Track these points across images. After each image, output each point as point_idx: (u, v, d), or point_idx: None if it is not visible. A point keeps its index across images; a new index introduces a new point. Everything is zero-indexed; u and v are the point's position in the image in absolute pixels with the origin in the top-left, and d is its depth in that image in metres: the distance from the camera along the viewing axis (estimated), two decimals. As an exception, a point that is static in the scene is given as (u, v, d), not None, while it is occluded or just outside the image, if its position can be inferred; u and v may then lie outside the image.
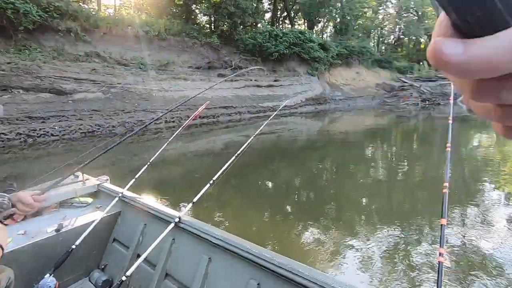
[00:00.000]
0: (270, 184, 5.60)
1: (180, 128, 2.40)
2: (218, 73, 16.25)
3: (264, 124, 2.29)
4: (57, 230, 1.79)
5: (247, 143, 1.89)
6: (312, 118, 16.29)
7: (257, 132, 2.12)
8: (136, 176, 2.04)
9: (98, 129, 9.58)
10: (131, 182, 2.05)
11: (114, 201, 1.96)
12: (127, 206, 2.01)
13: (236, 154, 1.82)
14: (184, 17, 17.66)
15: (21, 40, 10.21)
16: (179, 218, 1.61)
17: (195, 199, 1.65)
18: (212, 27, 18.45)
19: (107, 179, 2.35)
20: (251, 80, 17.22)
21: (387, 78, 26.99)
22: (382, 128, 13.13)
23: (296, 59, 19.66)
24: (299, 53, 19.03)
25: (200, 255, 1.48)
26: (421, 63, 30.87)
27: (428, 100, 20.68)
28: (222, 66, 16.65)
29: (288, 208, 4.34)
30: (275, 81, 18.29)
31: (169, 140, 2.21)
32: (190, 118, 2.48)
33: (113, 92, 11.41)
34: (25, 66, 9.53)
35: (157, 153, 2.07)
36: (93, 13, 13.19)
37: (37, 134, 8.30)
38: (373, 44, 35.07)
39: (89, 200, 2.17)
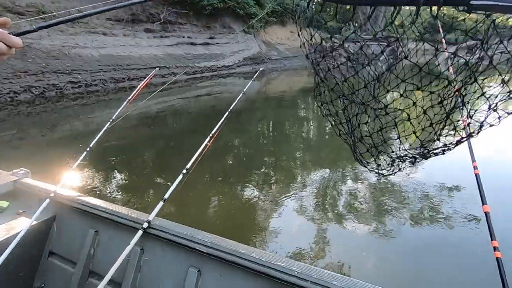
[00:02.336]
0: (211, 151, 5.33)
1: (125, 102, 1.87)
2: (144, 27, 14.26)
3: (238, 99, 1.92)
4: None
5: (222, 120, 1.54)
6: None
7: (233, 105, 1.76)
8: (74, 166, 1.52)
9: (-6, 96, 7.63)
10: (66, 176, 1.53)
11: (45, 203, 1.44)
12: (65, 208, 1.51)
13: (211, 135, 1.47)
14: (94, -46, 14.49)
15: None
16: (148, 222, 1.24)
17: (166, 195, 1.28)
18: (132, -30, 15.67)
19: (27, 172, 1.74)
20: (183, 37, 15.66)
21: (318, 38, 27.71)
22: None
23: (231, 14, 18.43)
24: (234, 8, 17.82)
25: (184, 268, 1.17)
26: (347, 23, 32.44)
27: (354, 61, 22.12)
28: (148, 19, 14.59)
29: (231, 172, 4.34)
30: (210, 38, 17.02)
31: (113, 117, 1.69)
32: (137, 89, 1.95)
33: (8, 49, 9.04)
34: None
35: (99, 135, 1.56)
36: None
37: None
38: (304, 3, 34.96)
39: (4, 203, 1.57)
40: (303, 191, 3.71)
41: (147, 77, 2.03)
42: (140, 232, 1.19)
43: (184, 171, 1.34)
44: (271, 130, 7.08)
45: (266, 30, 22.07)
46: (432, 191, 3.69)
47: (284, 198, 3.49)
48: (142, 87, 2.00)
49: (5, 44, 0.56)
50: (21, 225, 1.38)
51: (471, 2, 0.44)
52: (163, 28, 15.03)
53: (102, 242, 1.38)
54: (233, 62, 16.98)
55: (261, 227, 2.97)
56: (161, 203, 1.26)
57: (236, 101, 1.85)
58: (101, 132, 1.62)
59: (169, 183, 1.38)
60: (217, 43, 17.14)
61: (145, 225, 1.22)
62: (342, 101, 1.10)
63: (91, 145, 1.63)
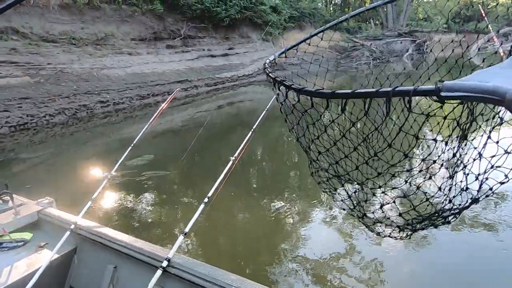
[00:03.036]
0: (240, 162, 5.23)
1: (148, 124, 1.83)
2: (166, 44, 14.75)
3: (260, 118, 1.81)
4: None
5: (245, 141, 1.43)
6: (270, 85, 15.90)
7: (256, 124, 1.65)
8: (93, 196, 1.48)
9: (32, 120, 8.15)
10: (87, 206, 1.49)
11: (65, 236, 1.40)
12: (85, 241, 1.46)
13: (233, 158, 1.36)
14: (117, -20, 15.33)
15: None
16: (168, 260, 1.14)
17: (187, 229, 1.18)
18: (153, -9, 16.38)
19: (52, 202, 1.73)
20: (203, 50, 16.00)
21: (338, 39, 27.21)
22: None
23: (248, 24, 18.61)
24: (251, 18, 17.98)
25: None
26: (367, 22, 31.59)
27: (378, 59, 21.38)
28: (169, 36, 15.09)
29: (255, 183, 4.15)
30: (229, 49, 17.25)
31: (134, 141, 1.64)
32: (156, 114, 1.91)
33: (44, 75, 9.70)
34: None
35: (120, 160, 1.51)
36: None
37: (-50, 134, 6.76)
38: (321, 5, 34.70)
39: (27, 235, 1.56)
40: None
41: (167, 100, 1.99)
42: (159, 272, 1.10)
43: (206, 199, 1.24)
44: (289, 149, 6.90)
45: (284, 36, 22.05)
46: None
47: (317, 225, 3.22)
48: (161, 112, 1.95)
49: None
50: (43, 259, 1.36)
51: (442, 94, 0.45)
52: (184, 43, 15.46)
53: (121, 279, 1.32)
54: (253, 70, 17.05)
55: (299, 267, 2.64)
56: (181, 238, 1.17)
57: (258, 120, 1.73)
58: (122, 159, 1.58)
59: (189, 214, 1.28)
60: (236, 53, 17.34)
61: (165, 263, 1.13)
62: (338, 179, 0.97)
63: (112, 172, 1.59)
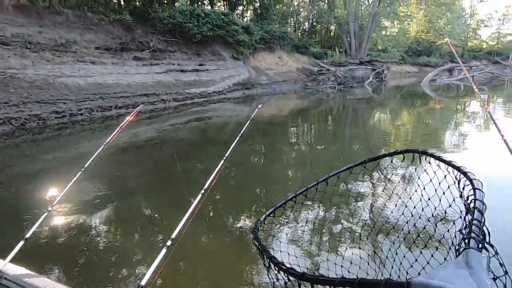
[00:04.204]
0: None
1: (109, 138, 1.58)
2: (133, 55, 14.24)
3: (236, 141, 1.66)
4: None
5: (216, 170, 1.26)
6: (241, 103, 15.96)
7: (229, 151, 1.49)
8: (27, 235, 1.19)
9: (-30, 129, 7.18)
10: (18, 247, 1.19)
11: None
12: None
13: (203, 189, 1.18)
14: (83, -14, 14.70)
15: None
16: None
17: (143, 281, 0.96)
18: (122, 2, 15.93)
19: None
20: (173, 64, 15.69)
21: (305, 63, 28.46)
22: (304, 110, 14.02)
23: (220, 42, 18.76)
24: (223, 36, 18.17)
25: None
26: (332, 49, 33.68)
27: (343, 84, 22.59)
28: (138, 48, 14.63)
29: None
30: (200, 65, 17.13)
31: (85, 165, 1.39)
32: (115, 132, 1.67)
33: (-10, 79, 8.73)
34: None
35: (64, 191, 1.25)
36: None
37: None
38: (290, 30, 36.32)
39: None
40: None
41: (130, 115, 1.77)
42: None
43: (169, 242, 1.03)
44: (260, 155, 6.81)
45: (255, 56, 22.54)
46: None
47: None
48: (122, 128, 1.72)
49: None
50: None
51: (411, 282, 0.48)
52: (153, 56, 15.06)
53: None
54: (223, 87, 17.02)
55: None
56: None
57: (231, 148, 1.58)
58: (69, 185, 1.32)
59: (148, 260, 1.04)
60: (207, 70, 17.25)
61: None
62: None
63: (55, 202, 1.31)
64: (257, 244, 0.90)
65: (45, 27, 11.41)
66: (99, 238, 2.92)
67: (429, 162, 1.02)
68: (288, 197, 1.18)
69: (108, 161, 5.38)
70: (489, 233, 0.60)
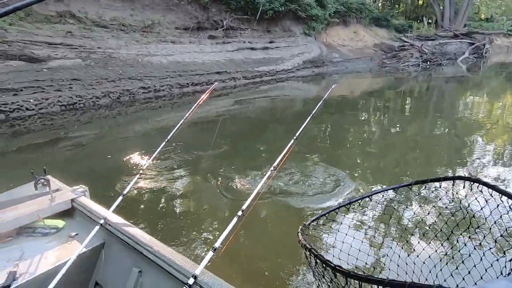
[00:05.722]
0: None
1: (187, 114, 1.74)
2: (208, 34, 14.89)
3: (306, 123, 1.64)
4: (13, 278, 1.21)
5: (286, 148, 1.28)
6: (310, 82, 15.48)
7: (298, 132, 1.49)
8: (124, 192, 1.42)
9: (80, 100, 8.66)
10: (118, 201, 1.44)
11: (95, 229, 1.37)
12: (113, 238, 1.42)
13: (273, 167, 1.21)
14: (167, -31, 15.67)
15: (-21, -2, 8.78)
16: (194, 277, 1.04)
17: (217, 243, 1.07)
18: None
19: (85, 191, 1.72)
20: (244, 42, 15.93)
21: (385, 37, 25.64)
22: (377, 91, 12.83)
23: (291, 17, 18.18)
24: (295, 11, 17.52)
25: None
26: (419, 20, 29.32)
27: (429, 61, 19.83)
28: (212, 27, 15.20)
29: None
30: (270, 42, 17.01)
31: (169, 137, 1.56)
32: (196, 105, 1.82)
33: (94, 59, 10.25)
34: (-13, 29, 8.29)
35: (153, 156, 1.44)
36: (62, -36, 11.41)
37: (10, 108, 7.39)
38: (369, 1, 32.85)
39: (60, 223, 1.56)
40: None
41: (206, 93, 1.89)
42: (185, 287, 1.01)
43: (240, 212, 1.12)
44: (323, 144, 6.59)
45: (327, 31, 21.23)
46: None
47: None
48: (197, 106, 1.86)
49: None
50: (72, 250, 1.33)
51: None
52: (226, 34, 15.50)
53: (145, 285, 1.25)
54: (292, 65, 16.68)
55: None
56: (210, 254, 1.06)
57: (302, 127, 1.57)
58: (154, 154, 1.52)
59: (223, 224, 1.16)
60: (276, 47, 17.05)
61: (191, 280, 1.03)
62: None
63: (145, 167, 1.53)
64: (303, 244, 0.91)
65: (135, 10, 12.70)
66: (183, 200, 3.42)
67: (481, 191, 1.00)
68: (332, 208, 1.20)
69: (186, 132, 5.94)
70: None
